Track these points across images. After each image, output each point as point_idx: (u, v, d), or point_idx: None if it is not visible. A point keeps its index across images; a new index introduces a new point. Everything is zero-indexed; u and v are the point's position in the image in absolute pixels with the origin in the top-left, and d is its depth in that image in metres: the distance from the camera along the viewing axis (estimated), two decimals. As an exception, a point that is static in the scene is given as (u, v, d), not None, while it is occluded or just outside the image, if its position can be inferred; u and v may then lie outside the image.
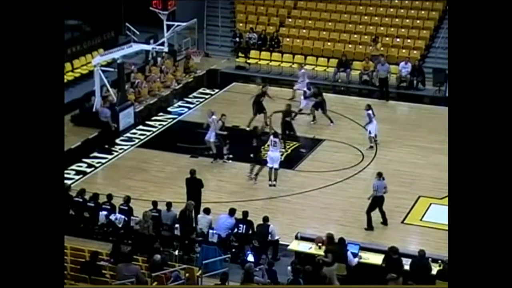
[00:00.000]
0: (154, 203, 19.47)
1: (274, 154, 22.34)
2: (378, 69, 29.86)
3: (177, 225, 18.65)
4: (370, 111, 24.93)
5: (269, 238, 18.39)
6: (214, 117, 24.14)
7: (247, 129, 25.29)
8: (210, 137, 23.96)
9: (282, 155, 23.28)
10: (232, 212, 18.94)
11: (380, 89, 29.60)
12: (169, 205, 19.25)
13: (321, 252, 17.47)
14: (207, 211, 19.04)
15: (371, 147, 24.95)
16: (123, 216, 19.17)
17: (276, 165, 22.32)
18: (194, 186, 20.20)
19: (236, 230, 18.60)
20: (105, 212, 19.39)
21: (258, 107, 26.52)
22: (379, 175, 20.16)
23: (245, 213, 18.87)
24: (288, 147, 24.91)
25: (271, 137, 22.65)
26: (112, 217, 19.30)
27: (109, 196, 19.81)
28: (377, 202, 19.99)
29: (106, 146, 25.03)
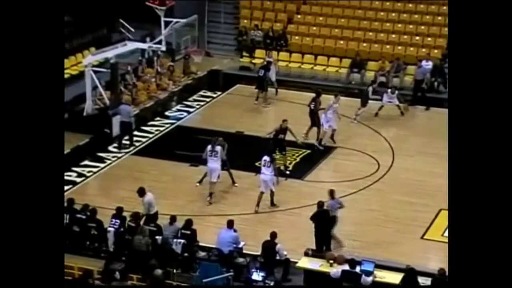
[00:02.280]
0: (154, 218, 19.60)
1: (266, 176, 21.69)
2: (417, 71, 29.57)
3: (175, 240, 18.70)
4: None
5: (277, 257, 18.33)
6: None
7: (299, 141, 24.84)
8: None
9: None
10: (230, 224, 18.91)
11: (414, 94, 29.38)
12: (173, 218, 19.28)
13: (331, 269, 17.45)
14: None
15: None
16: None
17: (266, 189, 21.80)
18: None
19: None
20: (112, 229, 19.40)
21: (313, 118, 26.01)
22: (331, 193, 19.91)
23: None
24: (296, 155, 24.87)
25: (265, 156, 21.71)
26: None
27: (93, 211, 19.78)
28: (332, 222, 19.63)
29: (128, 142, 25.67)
